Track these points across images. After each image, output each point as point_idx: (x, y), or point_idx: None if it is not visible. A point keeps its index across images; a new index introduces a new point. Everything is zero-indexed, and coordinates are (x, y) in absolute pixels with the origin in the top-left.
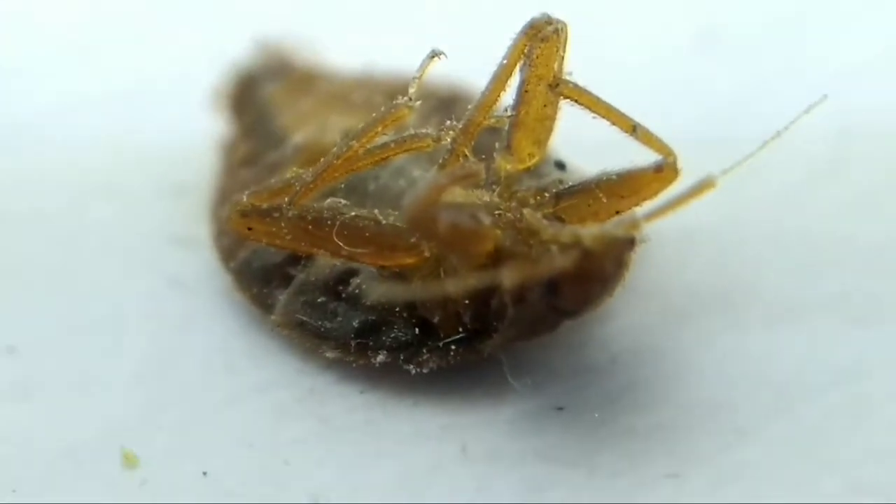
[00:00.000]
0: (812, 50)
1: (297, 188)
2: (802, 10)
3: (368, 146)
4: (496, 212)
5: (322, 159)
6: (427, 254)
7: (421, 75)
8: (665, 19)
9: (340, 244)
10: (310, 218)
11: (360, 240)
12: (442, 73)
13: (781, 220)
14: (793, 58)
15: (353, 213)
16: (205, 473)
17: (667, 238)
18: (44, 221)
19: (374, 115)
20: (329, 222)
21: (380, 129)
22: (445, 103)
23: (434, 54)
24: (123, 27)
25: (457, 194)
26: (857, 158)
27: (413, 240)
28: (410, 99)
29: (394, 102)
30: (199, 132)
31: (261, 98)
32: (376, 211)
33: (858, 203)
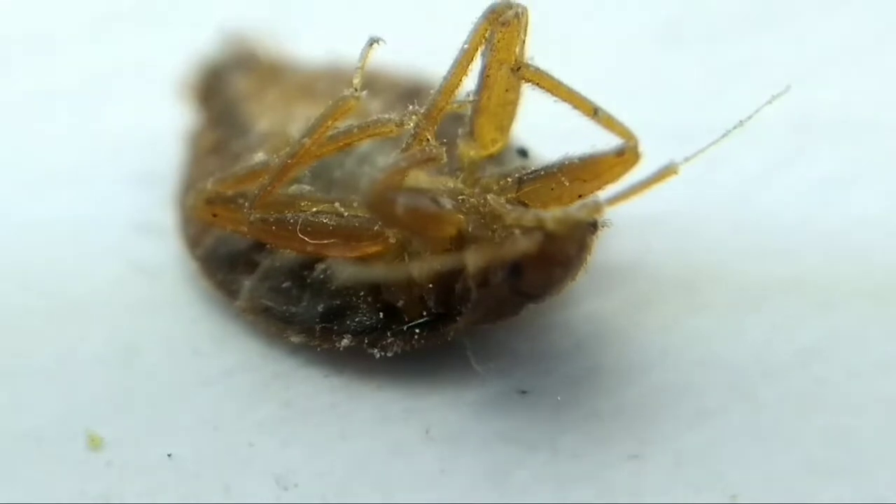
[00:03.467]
0: (773, 43)
1: (256, 191)
2: (765, 3)
3: (330, 133)
4: (459, 197)
5: (276, 158)
6: (392, 240)
7: (363, 64)
8: (629, 11)
9: (305, 239)
10: (272, 220)
11: (325, 233)
12: (404, 63)
13: (743, 206)
14: (755, 50)
15: (314, 210)
16: (170, 455)
17: (630, 225)
18: (10, 209)
19: (321, 110)
20: (291, 222)
21: (329, 122)
22: (408, 94)
23: (373, 41)
24: (90, 17)
25: (420, 180)
26: (817, 148)
27: (377, 228)
28: (356, 89)
29: (340, 95)
30: (166, 122)
31: (227, 88)
32: (337, 203)
33: (817, 190)
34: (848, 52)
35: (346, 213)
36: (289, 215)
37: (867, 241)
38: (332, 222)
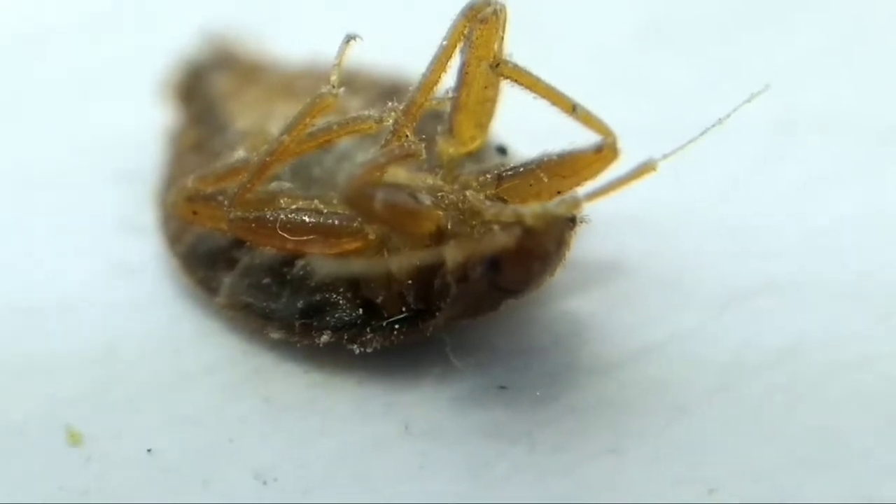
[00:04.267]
0: (755, 42)
1: (236, 189)
2: (746, 3)
3: (310, 130)
4: (438, 193)
5: (256, 156)
6: (371, 236)
7: (340, 61)
8: (609, 10)
9: (285, 236)
10: (252, 217)
11: (304, 230)
12: (384, 62)
13: (723, 206)
14: (736, 49)
15: (294, 207)
16: (149, 450)
17: (610, 223)
18: None
19: (299, 107)
20: (271, 219)
21: (308, 120)
22: (388, 92)
23: (349, 38)
24: (71, 16)
25: (399, 176)
26: (797, 148)
27: (356, 224)
28: (333, 86)
29: (317, 92)
30: (147, 121)
31: (207, 87)
32: (317, 200)
33: (798, 191)
34: (829, 53)
35: (325, 210)
36: (268, 213)
37: (846, 240)
38: (311, 219)
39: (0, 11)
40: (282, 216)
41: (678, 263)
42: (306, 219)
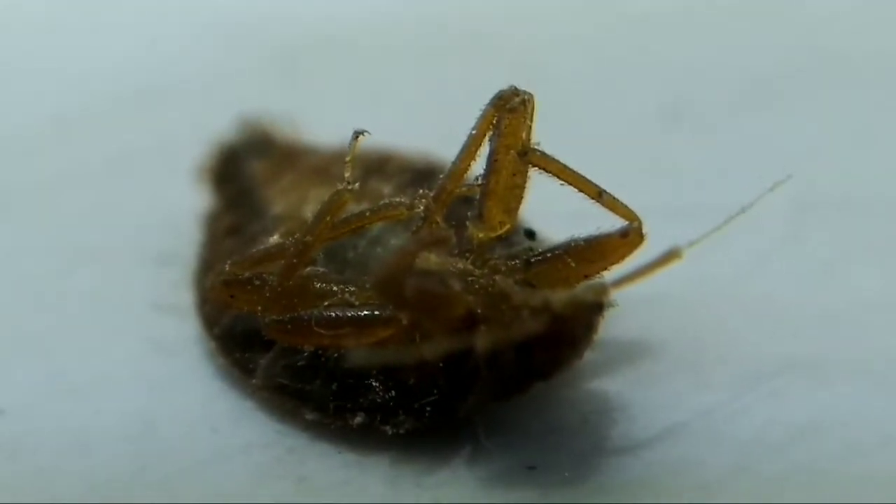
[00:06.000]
0: (774, 124)
1: (267, 294)
2: (765, 84)
3: (344, 217)
4: (469, 278)
5: (287, 244)
6: (405, 322)
7: (351, 157)
8: (632, 95)
9: (322, 333)
10: (287, 319)
11: (339, 324)
12: (416, 147)
13: (744, 286)
14: (755, 131)
15: (327, 304)
16: None
17: (634, 304)
18: (32, 287)
19: (318, 206)
20: (307, 319)
21: (328, 218)
22: (421, 176)
23: (357, 134)
24: (110, 99)
25: (430, 262)
26: (815, 230)
27: (388, 312)
28: (349, 182)
29: (334, 190)
30: (185, 204)
31: (243, 172)
32: (350, 286)
33: (816, 271)
34: (848, 134)
35: (356, 302)
36: (303, 312)
37: (865, 320)
38: (345, 313)
39: (40, 93)
40: (316, 313)
41: (701, 342)
42: (340, 313)
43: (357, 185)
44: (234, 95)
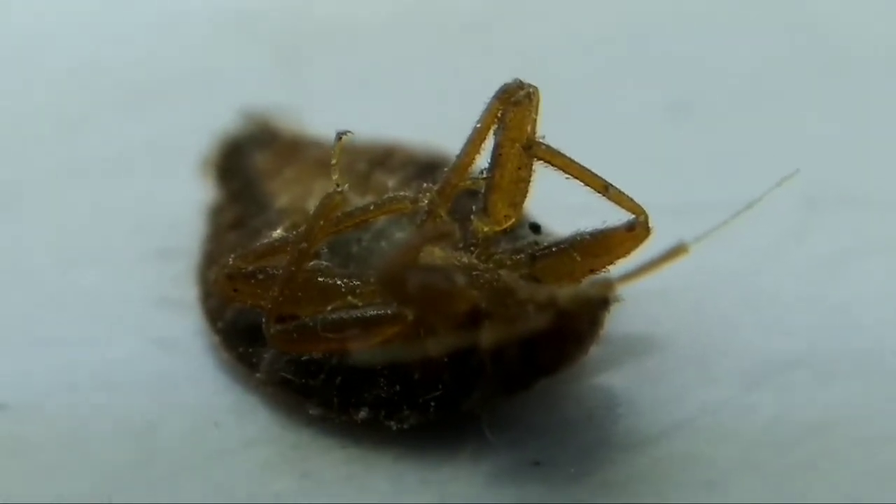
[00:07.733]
0: (782, 119)
1: (268, 305)
2: (770, 81)
3: (348, 210)
4: (473, 272)
5: (281, 268)
6: (410, 317)
7: (336, 161)
8: (639, 89)
9: (329, 337)
10: (292, 328)
11: (345, 327)
12: (420, 141)
13: (751, 281)
14: (763, 126)
15: (329, 308)
16: None
17: (641, 298)
18: (34, 283)
19: (311, 212)
20: (311, 325)
21: (321, 222)
22: (425, 170)
23: (340, 135)
24: (111, 94)
25: (435, 256)
26: (822, 225)
27: (393, 310)
28: (338, 185)
29: (326, 194)
30: (187, 198)
31: (247, 165)
32: (354, 280)
33: (823, 266)
34: (856, 129)
35: (360, 296)
36: (307, 319)
37: (873, 315)
38: (350, 314)
39: (41, 90)
40: (321, 319)
41: (707, 337)
42: (345, 315)
43: (346, 186)
44: (238, 88)
